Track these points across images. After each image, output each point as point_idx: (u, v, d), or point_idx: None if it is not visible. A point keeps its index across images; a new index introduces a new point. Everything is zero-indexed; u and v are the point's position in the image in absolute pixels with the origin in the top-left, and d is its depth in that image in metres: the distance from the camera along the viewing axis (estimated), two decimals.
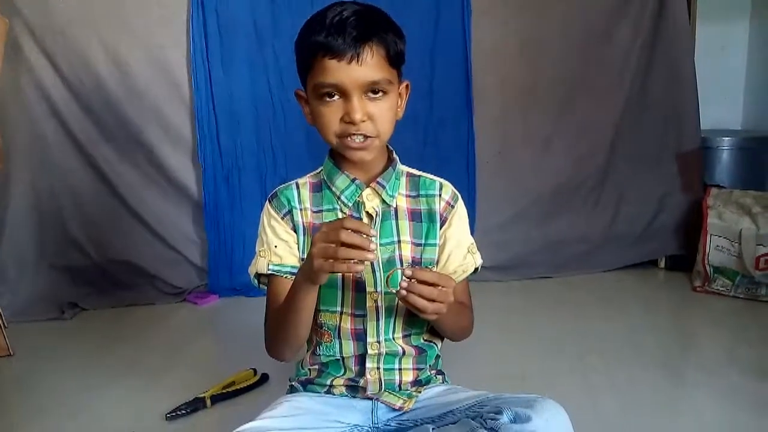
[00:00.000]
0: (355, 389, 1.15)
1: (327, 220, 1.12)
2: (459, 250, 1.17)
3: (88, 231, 2.28)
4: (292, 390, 1.21)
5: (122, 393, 1.62)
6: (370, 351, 1.12)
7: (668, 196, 2.46)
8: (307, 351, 1.18)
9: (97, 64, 2.16)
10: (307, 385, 1.18)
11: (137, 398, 1.59)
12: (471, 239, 1.21)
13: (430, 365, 1.20)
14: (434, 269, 1.16)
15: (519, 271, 2.37)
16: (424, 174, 1.19)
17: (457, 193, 1.20)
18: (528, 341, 1.87)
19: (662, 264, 2.45)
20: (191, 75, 2.21)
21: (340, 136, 1.04)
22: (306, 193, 1.15)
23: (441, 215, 1.16)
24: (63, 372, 1.77)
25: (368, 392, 1.14)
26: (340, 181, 1.12)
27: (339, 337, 1.13)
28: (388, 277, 1.07)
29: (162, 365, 1.77)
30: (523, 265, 2.38)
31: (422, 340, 1.18)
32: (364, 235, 0.91)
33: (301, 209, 1.14)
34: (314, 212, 1.14)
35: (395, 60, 1.04)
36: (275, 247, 1.12)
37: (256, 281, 1.17)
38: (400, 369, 1.16)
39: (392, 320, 1.13)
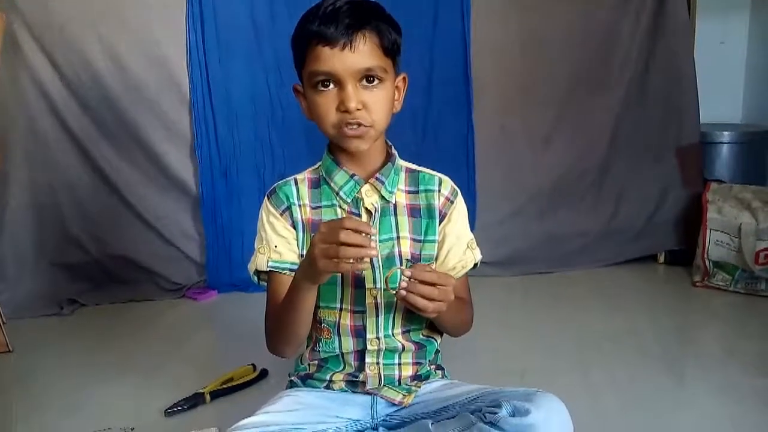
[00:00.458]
0: (354, 384, 1.15)
1: (326, 217, 1.12)
2: (458, 246, 1.17)
3: (87, 227, 2.27)
4: (292, 385, 1.21)
5: (121, 389, 1.62)
6: (369, 347, 1.12)
7: (668, 190, 2.45)
8: (307, 347, 1.18)
9: (96, 60, 2.15)
10: (307, 380, 1.18)
11: (136, 394, 1.59)
12: (470, 235, 1.21)
13: (429, 360, 1.20)
14: (434, 265, 1.15)
15: (518, 266, 2.37)
16: (424, 169, 1.19)
17: (457, 188, 1.19)
18: (527, 337, 1.87)
19: (662, 259, 2.45)
20: (189, 71, 2.20)
21: (337, 125, 1.04)
22: (304, 189, 1.15)
23: (440, 211, 1.15)
24: (62, 368, 1.77)
25: (368, 387, 1.14)
26: (339, 176, 1.12)
27: (338, 334, 1.13)
28: (387, 276, 1.07)
29: (161, 361, 1.77)
30: (522, 260, 2.38)
31: (422, 336, 1.18)
32: (365, 234, 0.91)
33: (299, 205, 1.14)
34: (313, 208, 1.14)
35: (390, 49, 1.04)
36: (275, 247, 1.12)
37: (255, 278, 1.17)
38: (399, 364, 1.16)
39: (392, 316, 1.13)
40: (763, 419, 1.38)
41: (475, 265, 1.20)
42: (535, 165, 2.41)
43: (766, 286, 2.07)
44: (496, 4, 2.35)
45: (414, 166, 1.19)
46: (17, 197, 2.21)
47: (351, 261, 0.91)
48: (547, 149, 2.41)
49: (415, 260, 1.13)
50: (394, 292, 0.99)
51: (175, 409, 1.47)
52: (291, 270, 1.12)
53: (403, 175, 1.16)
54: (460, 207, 1.18)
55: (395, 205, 1.13)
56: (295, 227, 1.13)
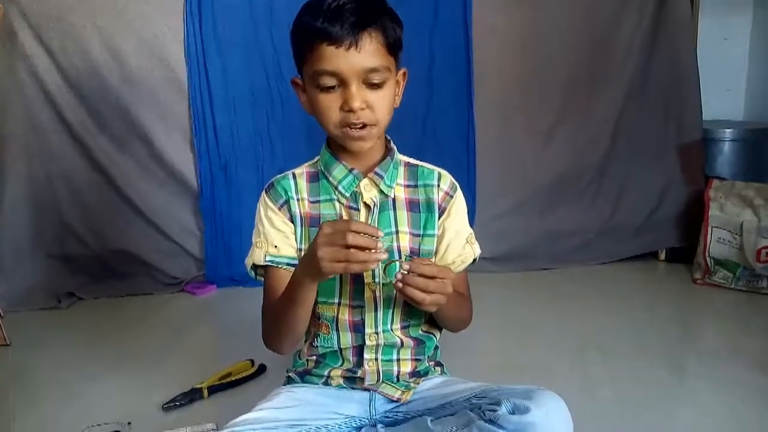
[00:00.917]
0: (352, 380, 1.14)
1: (325, 211, 1.11)
2: (458, 241, 1.16)
3: (85, 220, 2.26)
4: (290, 381, 1.20)
5: (119, 383, 1.61)
6: (368, 342, 1.12)
7: (669, 187, 2.44)
8: (305, 342, 1.17)
9: (93, 51, 2.13)
10: (305, 376, 1.18)
11: (134, 388, 1.58)
12: (470, 229, 1.20)
13: (428, 356, 1.19)
14: (433, 260, 1.15)
15: (518, 262, 2.35)
16: (423, 163, 1.18)
17: (456, 182, 1.18)
18: (527, 333, 1.86)
19: (662, 256, 2.44)
20: (187, 63, 2.18)
21: (340, 125, 1.03)
22: (303, 183, 1.14)
23: (439, 205, 1.14)
24: (59, 361, 1.76)
25: (366, 383, 1.13)
26: (338, 171, 1.11)
27: (337, 329, 1.12)
28: (385, 266, 1.06)
29: (159, 355, 1.76)
30: (522, 256, 2.37)
31: (421, 332, 1.17)
32: (372, 237, 0.91)
33: (298, 199, 1.13)
34: (311, 203, 1.13)
35: (393, 47, 1.03)
36: (273, 241, 1.10)
37: (253, 273, 1.16)
38: (398, 360, 1.15)
39: (390, 311, 1.12)
40: (764, 416, 1.37)
41: (475, 260, 1.20)
42: (536, 160, 2.40)
43: (767, 284, 2.05)
44: None
45: (413, 161, 1.18)
46: (14, 189, 2.19)
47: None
48: (549, 144, 2.40)
49: (414, 255, 1.12)
50: (393, 282, 0.98)
51: (173, 404, 1.46)
52: (288, 265, 1.11)
53: (402, 169, 1.15)
54: (459, 202, 1.17)
55: (394, 200, 1.12)
56: (293, 221, 1.12)
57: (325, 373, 1.15)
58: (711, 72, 2.51)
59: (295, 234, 1.12)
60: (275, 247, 1.11)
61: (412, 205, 1.14)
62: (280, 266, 1.11)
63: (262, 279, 1.16)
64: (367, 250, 0.91)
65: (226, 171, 2.25)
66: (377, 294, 1.10)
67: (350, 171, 1.10)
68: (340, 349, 1.14)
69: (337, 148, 1.11)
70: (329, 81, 1.00)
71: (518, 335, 1.84)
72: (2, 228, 2.19)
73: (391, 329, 1.13)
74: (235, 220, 2.24)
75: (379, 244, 0.92)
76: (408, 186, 1.15)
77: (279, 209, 1.12)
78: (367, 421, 1.13)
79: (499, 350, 1.73)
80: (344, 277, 1.09)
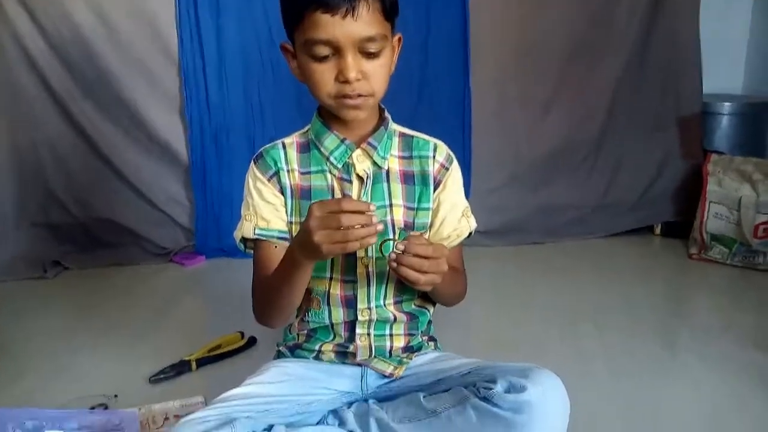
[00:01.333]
0: (344, 355, 1.12)
1: (316, 183, 1.08)
2: (453, 214, 1.13)
3: (70, 188, 2.21)
4: (280, 355, 1.18)
5: (105, 355, 1.59)
6: (360, 317, 1.09)
7: (666, 161, 2.41)
8: (296, 317, 1.15)
9: (77, 13, 2.05)
10: (295, 351, 1.15)
11: (121, 360, 1.56)
12: (466, 203, 1.17)
13: (421, 331, 1.17)
14: (427, 234, 1.11)
15: (512, 236, 2.33)
16: (418, 134, 1.14)
17: (452, 154, 1.15)
18: (520, 308, 1.84)
19: (658, 230, 2.41)
20: (178, 28, 2.11)
21: (335, 96, 0.98)
22: (293, 153, 1.10)
23: (435, 178, 1.11)
24: (45, 332, 1.73)
25: (358, 358, 1.11)
26: (329, 141, 1.06)
27: (328, 304, 1.10)
28: (381, 244, 1.03)
29: (147, 327, 1.74)
30: (516, 230, 2.34)
31: (414, 306, 1.14)
32: (366, 212, 0.88)
33: (288, 170, 1.09)
34: (302, 174, 1.09)
35: (390, 12, 0.98)
36: (263, 214, 1.07)
37: (242, 246, 1.13)
38: (391, 335, 1.13)
39: (383, 286, 1.09)
40: (757, 393, 1.36)
41: (470, 233, 1.17)
42: (532, 133, 2.35)
43: (764, 260, 2.04)
44: None
45: (408, 131, 1.14)
46: None
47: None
48: (545, 117, 2.35)
49: (408, 229, 1.09)
50: (387, 261, 0.95)
51: (160, 376, 1.44)
52: (279, 238, 1.08)
53: (396, 140, 1.11)
54: (455, 174, 1.14)
55: (388, 172, 1.09)
56: (283, 193, 1.08)
57: (316, 347, 1.13)
58: (710, 44, 2.45)
59: (286, 206, 1.09)
60: (265, 220, 1.08)
61: (407, 178, 1.10)
62: (270, 240, 1.08)
63: (252, 252, 1.13)
64: (363, 226, 0.87)
65: (217, 140, 2.20)
66: (370, 269, 1.07)
67: (342, 141, 1.06)
68: (332, 324, 1.11)
69: (329, 116, 1.06)
70: (323, 50, 0.95)
71: (511, 310, 1.83)
72: None
73: (384, 304, 1.10)
74: (225, 190, 2.20)
75: (374, 218, 0.88)
76: (402, 157, 1.11)
77: (268, 180, 1.08)
78: (359, 396, 1.11)
79: (492, 325, 1.71)
80: None
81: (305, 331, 1.14)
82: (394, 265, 0.93)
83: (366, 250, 1.05)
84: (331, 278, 1.09)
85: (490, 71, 2.29)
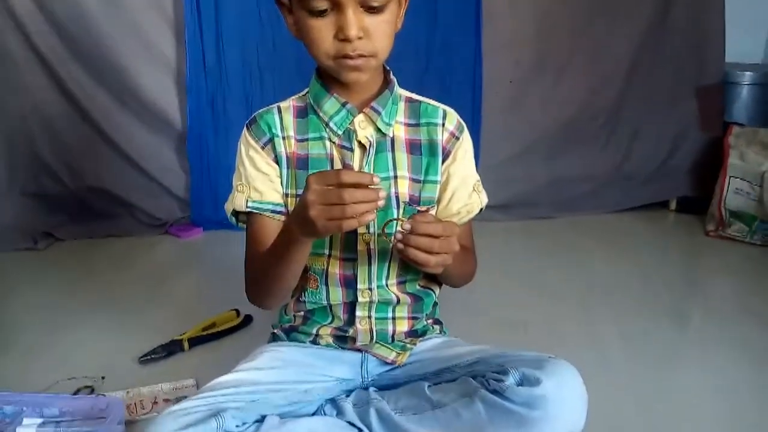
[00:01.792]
0: (343, 339, 1.04)
1: (313, 151, 0.98)
2: (464, 189, 1.04)
3: (61, 156, 2.12)
4: (275, 338, 1.10)
5: (94, 332, 1.51)
6: (360, 299, 1.01)
7: (685, 133, 2.30)
8: (292, 297, 1.06)
9: None
10: (291, 333, 1.08)
11: (109, 338, 1.48)
12: (477, 176, 1.08)
13: (426, 314, 1.09)
14: (435, 209, 1.02)
15: (521, 210, 2.24)
16: (426, 99, 1.04)
17: (463, 123, 1.05)
18: (530, 286, 1.76)
19: (673, 206, 2.33)
20: None
21: (334, 55, 0.88)
22: (289, 118, 1.00)
23: (444, 148, 1.02)
24: (33, 307, 1.66)
25: (358, 343, 1.03)
26: (329, 105, 0.97)
27: (326, 283, 1.01)
28: (384, 224, 0.94)
29: (138, 303, 1.66)
30: (526, 203, 2.25)
31: (418, 287, 1.06)
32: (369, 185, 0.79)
33: (283, 137, 0.99)
34: (299, 141, 0.99)
35: None
36: (258, 191, 0.99)
37: (233, 219, 1.05)
38: (393, 318, 1.05)
39: (386, 265, 1.01)
40: None
41: (481, 209, 1.08)
42: (545, 100, 2.23)
43: None
44: None
45: (415, 96, 1.04)
46: None
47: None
48: (559, 84, 2.23)
49: (413, 203, 1.00)
50: (392, 243, 0.86)
51: (150, 356, 1.36)
52: (273, 211, 0.99)
53: (402, 105, 1.02)
54: (466, 144, 1.04)
55: (393, 140, 0.99)
56: (278, 162, 0.99)
57: (314, 330, 1.05)
58: (729, 10, 2.31)
59: (281, 176, 1.00)
60: (258, 191, 0.99)
61: (413, 147, 1.01)
62: (264, 213, 0.99)
63: (244, 226, 1.04)
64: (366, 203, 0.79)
65: (213, 106, 2.09)
66: (371, 246, 0.99)
67: (343, 105, 0.96)
68: (330, 305, 1.03)
69: (329, 78, 0.96)
70: (321, 4, 0.86)
71: (520, 289, 1.75)
72: None
73: (386, 285, 1.02)
74: (222, 159, 2.10)
75: (381, 192, 0.79)
76: (409, 125, 1.01)
77: (262, 148, 0.99)
78: (358, 383, 1.04)
79: (501, 305, 1.63)
80: None
81: (302, 313, 1.06)
82: (401, 246, 0.84)
83: (368, 226, 0.96)
84: (329, 255, 1.00)
85: (503, 35, 2.16)
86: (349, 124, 0.97)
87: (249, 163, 1.00)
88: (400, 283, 1.03)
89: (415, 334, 1.07)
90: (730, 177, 2.01)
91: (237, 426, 0.86)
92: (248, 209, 0.99)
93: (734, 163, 2.00)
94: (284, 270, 0.94)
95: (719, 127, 2.25)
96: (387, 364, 1.03)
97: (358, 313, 1.02)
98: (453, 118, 1.04)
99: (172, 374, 1.30)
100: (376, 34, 0.88)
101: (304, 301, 1.04)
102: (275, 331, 1.10)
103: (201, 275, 1.91)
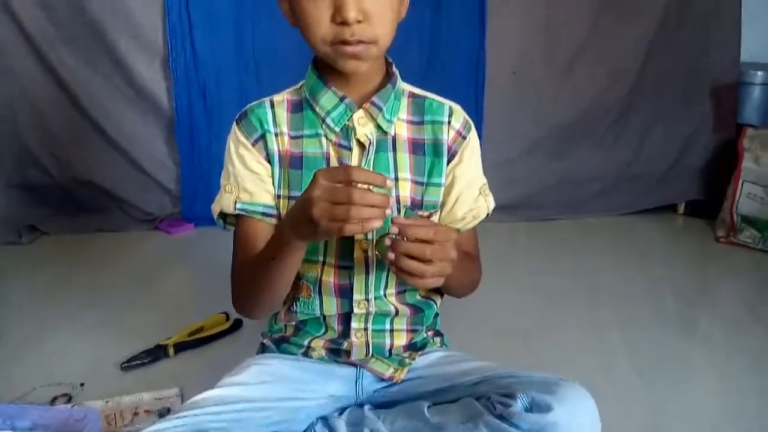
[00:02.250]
0: (337, 353, 0.97)
1: (309, 149, 0.91)
2: (470, 192, 0.97)
3: (48, 146, 2.03)
4: (264, 349, 1.03)
5: (77, 334, 1.44)
6: (356, 310, 0.93)
7: (697, 134, 2.21)
8: (283, 305, 0.99)
9: None
10: (281, 344, 1.00)
11: (92, 341, 1.41)
12: (484, 178, 1.00)
13: (426, 326, 1.01)
14: (436, 216, 0.95)
15: (526, 211, 2.16)
16: (431, 95, 0.96)
17: (470, 121, 0.97)
18: (533, 291, 1.70)
19: (681, 209, 2.25)
20: None
21: (330, 41, 0.81)
22: (283, 113, 0.92)
23: (449, 148, 0.94)
24: (15, 305, 1.59)
25: (353, 357, 0.96)
26: (326, 99, 0.89)
27: (320, 293, 0.94)
28: (376, 243, 0.86)
29: (124, 303, 1.58)
30: (530, 204, 2.17)
31: (419, 297, 0.99)
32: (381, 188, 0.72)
33: (276, 133, 0.92)
34: (293, 138, 0.92)
35: None
36: (248, 192, 0.91)
37: (221, 221, 0.97)
38: (391, 331, 0.98)
39: (384, 274, 0.94)
40: None
41: (488, 215, 1.00)
42: (553, 96, 2.14)
43: None
44: None
45: (419, 91, 0.96)
46: None
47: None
48: (569, 78, 2.13)
49: (415, 207, 0.93)
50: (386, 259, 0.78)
51: (133, 362, 1.29)
52: (264, 214, 0.92)
53: (405, 101, 0.94)
54: (473, 144, 0.97)
55: (394, 138, 0.92)
56: (269, 161, 0.92)
57: (306, 342, 0.98)
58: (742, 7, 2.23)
59: (273, 176, 0.92)
60: (248, 192, 0.92)
61: (416, 147, 0.93)
62: (254, 216, 0.92)
63: (232, 228, 0.96)
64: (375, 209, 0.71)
65: (205, 97, 2.01)
66: (369, 253, 0.91)
67: (341, 99, 0.89)
68: (323, 316, 0.95)
69: (327, 69, 0.89)
70: None
71: (523, 293, 1.68)
72: None
73: (385, 295, 0.94)
74: (214, 152, 2.01)
75: (390, 199, 0.72)
76: (412, 122, 0.94)
77: (253, 145, 0.92)
78: (352, 400, 0.97)
79: (504, 312, 1.56)
80: None
81: (293, 323, 0.98)
82: (392, 256, 0.76)
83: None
84: (323, 263, 0.93)
85: (509, 26, 2.07)
86: (348, 120, 0.89)
87: (238, 161, 0.92)
88: (400, 293, 0.96)
89: (414, 348, 1.00)
90: (743, 181, 1.94)
91: None
92: (237, 211, 0.92)
93: (748, 167, 1.93)
94: (275, 278, 0.87)
95: (732, 128, 2.17)
96: (383, 380, 0.96)
97: (354, 324, 0.95)
98: (460, 115, 0.96)
99: (155, 382, 1.23)
100: (377, 18, 0.80)
101: (296, 312, 0.96)
102: (264, 341, 1.03)
103: (190, 274, 1.83)
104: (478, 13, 2.03)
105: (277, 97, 0.94)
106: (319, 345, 0.97)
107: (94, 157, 2.04)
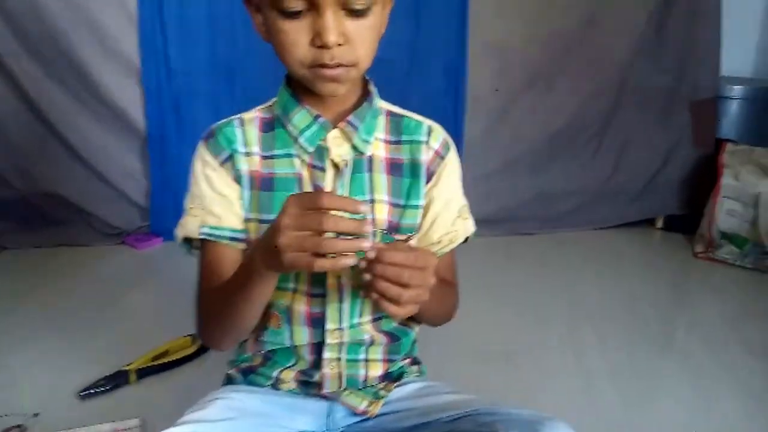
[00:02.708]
0: (308, 385, 0.91)
1: (280, 170, 0.85)
2: (447, 214, 0.91)
3: (11, 158, 1.97)
4: (230, 380, 0.96)
5: (33, 357, 1.37)
6: (329, 340, 0.87)
7: (676, 148, 2.22)
8: (251, 333, 0.92)
9: None
10: (249, 375, 0.94)
11: (49, 366, 1.34)
12: (463, 200, 0.95)
13: (404, 354, 0.96)
14: (414, 239, 0.90)
15: (504, 225, 2.14)
16: (409, 113, 0.91)
17: (450, 140, 0.92)
18: (513, 309, 1.67)
19: (659, 224, 2.25)
20: None
21: (309, 65, 0.76)
22: (253, 131, 0.87)
23: (427, 168, 0.89)
24: None
25: (324, 390, 0.90)
26: (299, 117, 0.84)
27: (290, 322, 0.88)
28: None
29: (85, 324, 1.52)
30: (509, 219, 2.15)
31: (395, 324, 0.93)
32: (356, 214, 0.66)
33: (245, 153, 0.86)
34: (264, 158, 0.86)
35: None
36: (215, 216, 0.85)
37: (186, 247, 0.91)
38: (366, 360, 0.92)
39: (359, 301, 0.88)
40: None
41: (467, 239, 0.95)
42: (533, 110, 2.13)
43: None
44: None
45: (397, 110, 0.91)
46: None
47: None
48: (549, 92, 2.12)
49: (393, 230, 0.88)
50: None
51: (92, 390, 1.22)
52: (232, 239, 0.86)
53: (383, 119, 0.89)
54: (452, 165, 0.92)
55: (371, 159, 0.86)
56: (238, 182, 0.86)
57: (274, 374, 0.92)
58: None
59: (242, 198, 0.86)
60: (215, 216, 0.86)
61: (394, 168, 0.88)
62: (220, 241, 0.85)
63: (197, 253, 0.90)
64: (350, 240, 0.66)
65: (178, 110, 1.95)
66: (343, 281, 0.86)
67: (315, 118, 0.83)
68: (294, 347, 0.89)
69: (300, 87, 0.83)
70: (295, 4, 0.73)
71: (503, 312, 1.65)
72: None
73: (359, 324, 0.89)
74: (185, 165, 1.91)
75: (367, 227, 0.67)
76: (390, 142, 0.89)
77: (220, 165, 0.86)
78: None
79: (482, 331, 1.52)
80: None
81: (262, 352, 0.92)
82: (368, 277, 0.71)
83: None
84: (294, 290, 0.87)
85: (490, 40, 2.05)
86: (322, 140, 0.84)
87: (205, 182, 0.86)
88: (375, 320, 0.90)
89: (389, 378, 0.94)
90: (722, 197, 1.93)
91: None
92: (202, 236, 0.86)
93: (728, 183, 1.92)
94: (244, 309, 0.81)
95: (711, 143, 2.17)
96: (357, 414, 0.90)
97: (327, 354, 0.89)
98: (439, 135, 0.91)
99: (115, 411, 1.17)
100: (358, 40, 0.76)
101: (264, 341, 0.90)
102: (230, 372, 0.97)
103: (157, 292, 1.75)
104: (459, 26, 2.00)
105: (247, 115, 0.89)
106: (289, 376, 0.91)
107: (59, 169, 1.98)
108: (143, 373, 1.27)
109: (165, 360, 1.31)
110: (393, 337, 0.93)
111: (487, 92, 2.08)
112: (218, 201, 0.86)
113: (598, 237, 2.17)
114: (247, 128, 0.87)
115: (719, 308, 1.72)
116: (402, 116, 0.91)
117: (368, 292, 0.72)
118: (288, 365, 0.91)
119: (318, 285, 0.86)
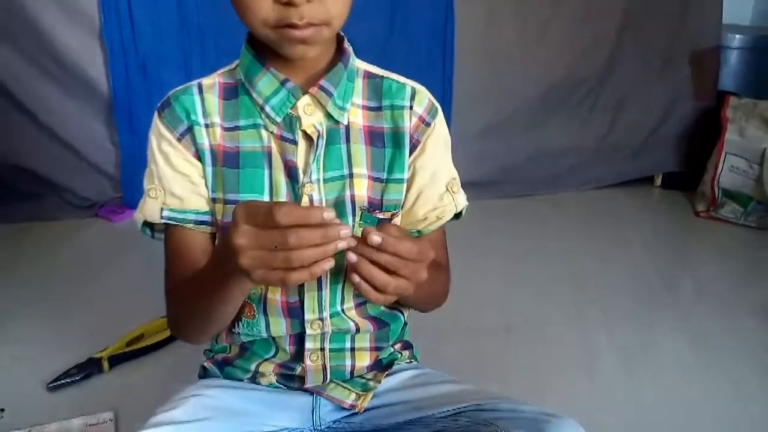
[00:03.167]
0: (290, 378, 0.84)
1: (245, 142, 0.75)
2: (433, 188, 0.82)
3: None
4: (206, 374, 0.89)
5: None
6: (309, 330, 0.79)
7: (676, 102, 2.13)
8: None
9: None
10: (225, 368, 0.86)
11: (17, 356, 1.26)
12: (453, 172, 0.86)
13: (394, 340, 0.88)
14: (398, 217, 0.81)
15: (499, 187, 2.06)
16: (390, 74, 0.81)
17: (436, 104, 0.82)
18: (511, 277, 1.60)
19: (658, 182, 2.19)
20: None
21: (275, 25, 0.66)
22: (213, 99, 0.77)
23: (411, 137, 0.79)
24: None
25: (308, 384, 0.82)
26: (264, 83, 0.74)
27: (265, 312, 0.79)
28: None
29: (56, 306, 1.43)
30: (504, 180, 2.07)
31: (383, 309, 0.85)
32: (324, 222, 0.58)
33: (206, 125, 0.76)
34: (226, 130, 0.76)
35: None
36: (176, 197, 0.77)
37: (147, 231, 0.82)
38: (352, 350, 0.84)
39: (340, 287, 0.79)
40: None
41: (459, 214, 0.86)
42: (526, 63, 2.02)
43: None
44: None
45: (376, 70, 0.81)
46: None
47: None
48: (542, 44, 2.01)
49: (374, 208, 0.79)
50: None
51: (62, 381, 1.15)
52: (198, 222, 0.77)
53: (360, 82, 0.79)
54: (438, 132, 0.81)
55: (348, 128, 0.77)
56: (200, 158, 0.76)
57: (253, 367, 0.84)
58: None
59: (205, 176, 0.76)
60: (176, 197, 0.76)
61: (374, 137, 0.78)
62: (185, 225, 0.76)
63: (162, 237, 0.81)
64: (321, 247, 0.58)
65: (145, 71, 1.83)
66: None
67: (282, 83, 0.73)
68: (272, 337, 0.81)
69: (264, 47, 0.73)
70: None
71: (500, 282, 1.58)
72: None
73: (342, 311, 0.80)
74: None
75: (342, 230, 0.59)
76: (368, 108, 0.79)
77: (178, 140, 0.76)
78: None
79: (478, 303, 1.45)
80: None
81: (238, 344, 0.84)
82: (353, 257, 0.62)
83: None
84: None
85: None
86: (291, 108, 0.74)
87: (162, 160, 0.77)
88: (359, 306, 0.82)
89: (379, 366, 0.87)
90: (726, 153, 1.85)
91: None
92: (163, 220, 0.76)
93: (732, 139, 1.84)
94: (218, 309, 0.73)
95: (712, 96, 2.08)
96: (344, 409, 0.83)
97: (309, 345, 0.81)
98: (423, 98, 0.80)
99: (87, 403, 1.10)
100: None
101: (238, 333, 0.82)
102: (205, 364, 0.89)
103: (132, 268, 1.66)
104: None
105: (206, 81, 0.78)
106: (268, 370, 0.84)
107: (23, 140, 1.87)
108: (116, 360, 1.19)
109: (140, 345, 1.23)
110: (380, 323, 0.84)
111: (475, 46, 1.96)
112: (179, 180, 0.76)
113: (595, 196, 2.10)
114: (206, 96, 0.77)
115: (723, 268, 1.67)
116: (382, 78, 0.80)
117: (349, 274, 0.64)
118: (267, 357, 0.83)
119: None
